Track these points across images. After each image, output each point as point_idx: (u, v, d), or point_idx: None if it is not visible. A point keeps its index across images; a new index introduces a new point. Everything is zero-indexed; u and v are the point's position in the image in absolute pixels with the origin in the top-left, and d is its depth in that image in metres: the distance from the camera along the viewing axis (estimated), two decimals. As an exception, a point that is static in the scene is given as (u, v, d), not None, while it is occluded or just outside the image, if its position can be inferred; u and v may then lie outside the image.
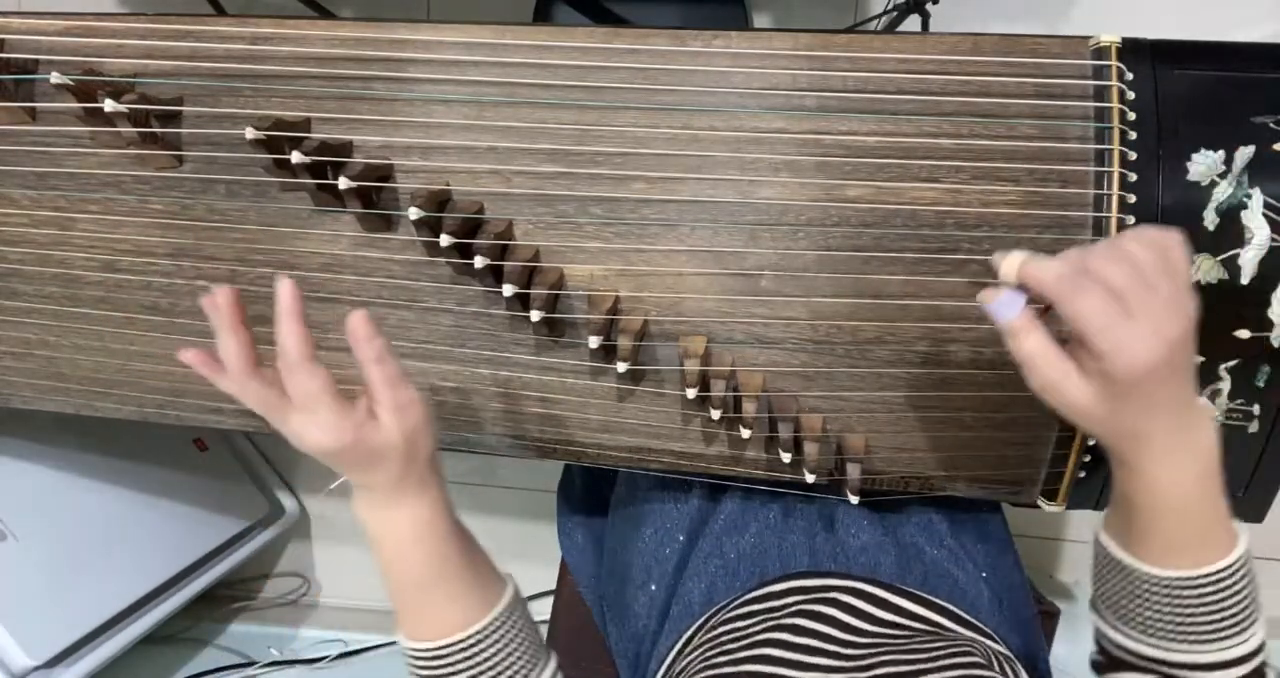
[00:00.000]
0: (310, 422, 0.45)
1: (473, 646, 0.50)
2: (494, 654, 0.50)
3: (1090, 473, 0.61)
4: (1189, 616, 0.44)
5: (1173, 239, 0.40)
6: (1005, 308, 0.42)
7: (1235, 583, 0.44)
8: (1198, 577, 0.43)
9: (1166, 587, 0.44)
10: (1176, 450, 0.41)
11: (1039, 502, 0.62)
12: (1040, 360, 0.41)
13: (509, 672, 0.51)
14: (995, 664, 0.50)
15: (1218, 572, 0.43)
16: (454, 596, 0.50)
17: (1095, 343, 0.38)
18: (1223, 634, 0.44)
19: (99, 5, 1.02)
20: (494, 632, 0.51)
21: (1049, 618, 1.04)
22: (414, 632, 0.50)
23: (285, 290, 0.45)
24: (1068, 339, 0.42)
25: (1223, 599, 0.44)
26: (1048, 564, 1.39)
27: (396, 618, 0.51)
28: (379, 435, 0.46)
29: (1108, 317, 0.38)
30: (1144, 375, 0.38)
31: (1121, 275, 0.38)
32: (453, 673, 0.50)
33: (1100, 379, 0.40)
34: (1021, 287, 0.42)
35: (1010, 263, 0.42)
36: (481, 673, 0.50)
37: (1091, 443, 0.59)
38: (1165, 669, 0.46)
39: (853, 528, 0.63)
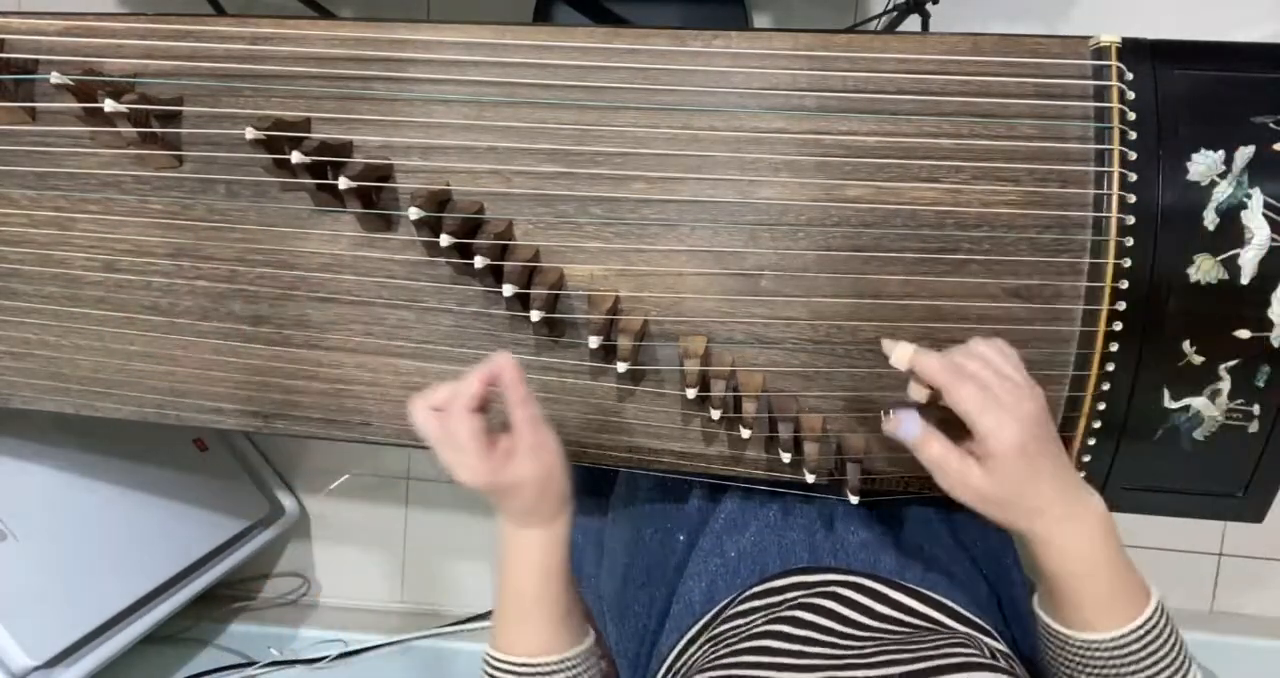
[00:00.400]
0: (459, 462, 0.51)
1: (552, 671, 0.54)
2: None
3: (1090, 473, 0.61)
4: (1122, 674, 0.48)
5: (1005, 344, 0.50)
6: (907, 427, 0.50)
7: (1155, 638, 0.48)
8: (1118, 636, 0.48)
9: (1094, 649, 0.48)
10: (1069, 519, 0.48)
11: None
12: (944, 461, 0.49)
13: None
14: (995, 660, 0.50)
15: (1135, 630, 0.48)
16: (548, 622, 0.55)
17: (976, 424, 0.46)
18: None
19: (99, 5, 1.02)
20: (573, 666, 0.55)
21: (1049, 618, 1.03)
22: (504, 644, 0.55)
23: (506, 364, 0.51)
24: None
25: (1149, 654, 0.48)
26: (1048, 564, 1.38)
27: (493, 628, 0.56)
28: (515, 473, 0.51)
29: (982, 401, 0.46)
30: (1019, 449, 0.46)
31: (983, 371, 0.47)
32: None
33: (989, 463, 0.47)
34: (913, 408, 0.50)
35: (901, 352, 0.50)
36: None
37: (1091, 443, 0.59)
38: None
39: (852, 526, 0.63)
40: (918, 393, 0.50)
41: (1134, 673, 0.48)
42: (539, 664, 0.54)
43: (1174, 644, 0.49)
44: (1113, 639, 0.48)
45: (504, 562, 0.55)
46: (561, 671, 0.55)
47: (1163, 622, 0.49)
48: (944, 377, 0.48)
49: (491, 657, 0.56)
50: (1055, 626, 0.50)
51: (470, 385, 0.50)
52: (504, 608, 0.56)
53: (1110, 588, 0.49)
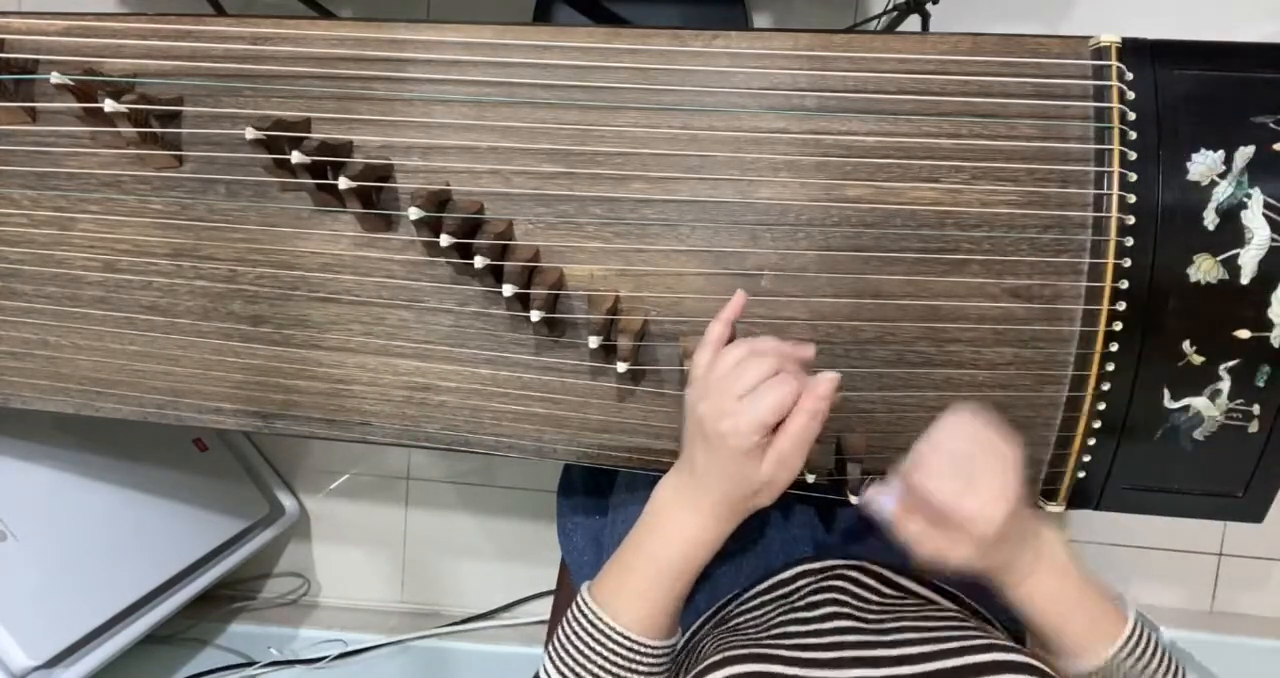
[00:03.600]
0: (744, 420, 0.47)
1: (653, 654, 0.52)
2: (650, 669, 0.52)
3: (1090, 473, 0.61)
4: None
5: (974, 417, 0.50)
6: (882, 505, 0.51)
7: (1139, 653, 0.50)
8: (1112, 656, 0.49)
9: (1108, 666, 0.50)
10: (1036, 568, 0.50)
11: (1039, 502, 0.62)
12: (923, 538, 0.49)
13: None
14: (1015, 645, 0.50)
15: (1119, 650, 0.50)
16: (663, 603, 0.52)
17: (954, 517, 0.47)
18: None
19: (99, 5, 1.02)
20: (665, 655, 0.53)
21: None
22: (610, 602, 0.52)
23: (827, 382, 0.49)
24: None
25: (1142, 664, 0.50)
26: (1048, 564, 1.38)
27: (605, 581, 0.53)
28: (757, 467, 0.48)
29: (956, 497, 0.47)
30: (999, 530, 0.47)
31: (959, 456, 0.48)
32: (605, 658, 0.51)
33: (969, 539, 0.48)
34: (894, 483, 0.51)
35: (868, 495, 0.52)
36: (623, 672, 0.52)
37: (1091, 443, 0.59)
38: None
39: (852, 525, 0.63)
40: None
41: None
42: (647, 645, 0.52)
43: (1160, 653, 0.51)
44: (1105, 660, 0.50)
45: (656, 528, 0.52)
46: (659, 656, 0.52)
47: (1142, 640, 0.51)
48: (916, 483, 0.48)
49: (597, 615, 0.52)
50: (1051, 660, 0.51)
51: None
52: (630, 572, 0.52)
53: (1085, 619, 0.51)
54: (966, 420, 0.50)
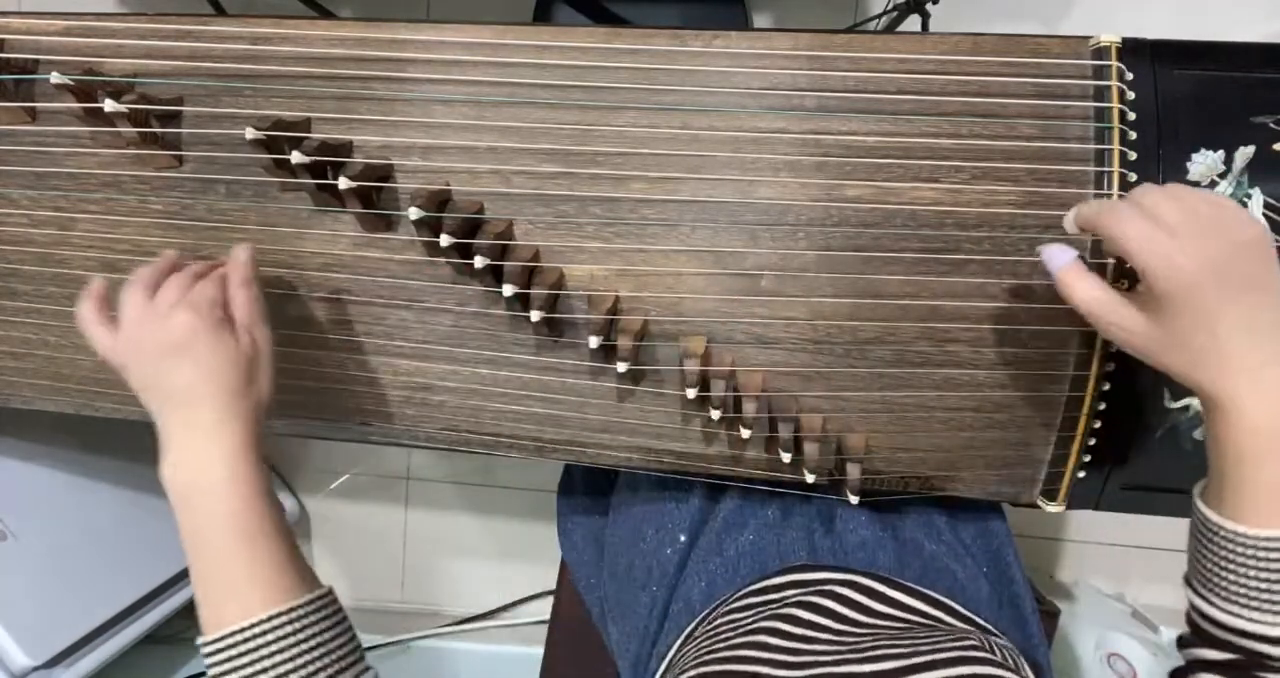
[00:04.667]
0: (189, 308, 0.50)
1: (304, 616, 0.46)
2: (313, 637, 0.46)
3: (1090, 473, 0.61)
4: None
5: (1214, 194, 0.43)
6: (1056, 257, 0.46)
7: None
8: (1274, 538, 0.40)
9: (1257, 547, 0.41)
10: (1267, 377, 0.40)
11: (1039, 502, 0.62)
12: (1092, 302, 0.44)
13: (330, 665, 0.47)
14: (998, 655, 0.49)
15: None
16: (274, 557, 0.46)
17: (1136, 261, 0.41)
18: None
19: (99, 5, 1.02)
20: (324, 605, 0.48)
21: (1049, 618, 1.04)
22: (218, 615, 0.45)
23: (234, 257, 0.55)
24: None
25: None
26: (1048, 564, 1.39)
27: (202, 599, 0.46)
28: (230, 341, 0.51)
29: (1144, 237, 0.40)
30: (1187, 287, 0.40)
31: (1168, 207, 0.41)
32: (261, 663, 0.44)
33: (1153, 303, 0.41)
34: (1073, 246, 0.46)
35: (1070, 217, 0.47)
36: (299, 660, 0.45)
37: (1092, 443, 0.59)
38: (1249, 644, 0.42)
39: (851, 525, 0.63)
40: (1071, 226, 0.47)
41: None
42: (281, 616, 0.44)
43: None
44: (1269, 539, 0.41)
45: (199, 481, 0.47)
46: (315, 613, 0.46)
47: None
48: (1100, 219, 0.43)
49: (215, 644, 0.44)
50: (1216, 517, 0.43)
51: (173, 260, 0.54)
52: (208, 549, 0.46)
53: None
54: (1184, 190, 0.43)
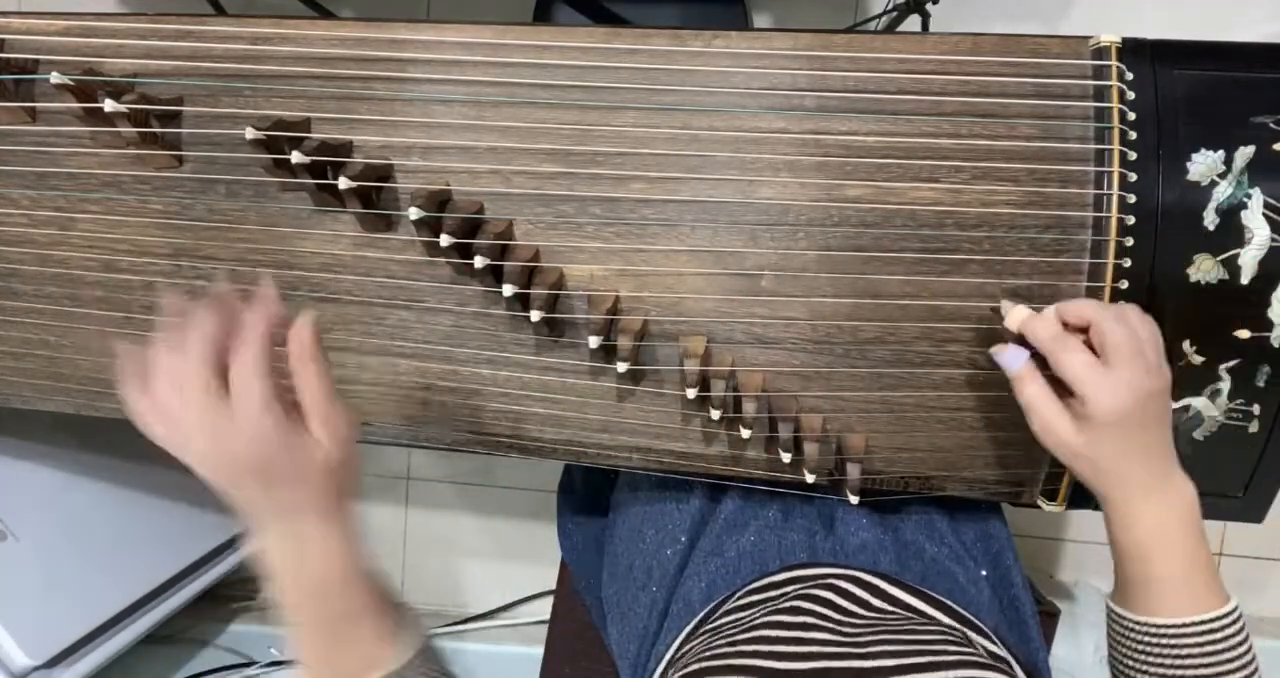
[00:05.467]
0: (249, 428, 0.42)
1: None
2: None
3: (1090, 473, 0.61)
4: (1183, 667, 0.47)
5: (1153, 323, 0.50)
6: (1011, 360, 0.51)
7: (1229, 636, 0.47)
8: (1188, 624, 0.47)
9: (1158, 635, 0.48)
10: (1155, 494, 0.48)
11: (1039, 502, 0.62)
12: (1038, 403, 0.50)
13: None
14: (992, 661, 0.50)
15: (1210, 620, 0.47)
16: (359, 640, 0.46)
17: (1077, 389, 0.47)
18: None
19: (99, 5, 1.02)
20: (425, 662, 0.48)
21: (1049, 618, 1.04)
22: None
23: (296, 328, 0.45)
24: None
25: (1218, 652, 0.47)
26: (1048, 564, 1.39)
27: (303, 664, 0.46)
28: (306, 451, 0.43)
29: (1087, 369, 0.47)
30: (1117, 418, 0.46)
31: (1118, 335, 0.47)
32: None
33: (1084, 422, 0.48)
34: (1025, 341, 0.51)
35: (1015, 315, 0.52)
36: None
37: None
38: None
39: (852, 527, 0.63)
40: (1013, 325, 0.52)
41: (1191, 667, 0.47)
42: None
43: (1242, 655, 0.47)
44: (1177, 626, 0.47)
45: (286, 580, 0.44)
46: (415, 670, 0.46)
47: (1231, 628, 0.48)
48: (1050, 345, 0.49)
49: None
50: (1119, 608, 0.50)
51: (256, 340, 0.42)
52: (305, 638, 0.46)
53: (1183, 574, 0.48)
54: (1137, 312, 0.49)
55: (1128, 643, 0.51)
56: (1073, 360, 0.48)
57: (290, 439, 0.42)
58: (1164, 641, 0.48)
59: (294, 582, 0.45)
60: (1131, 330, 0.48)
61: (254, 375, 0.42)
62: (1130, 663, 0.51)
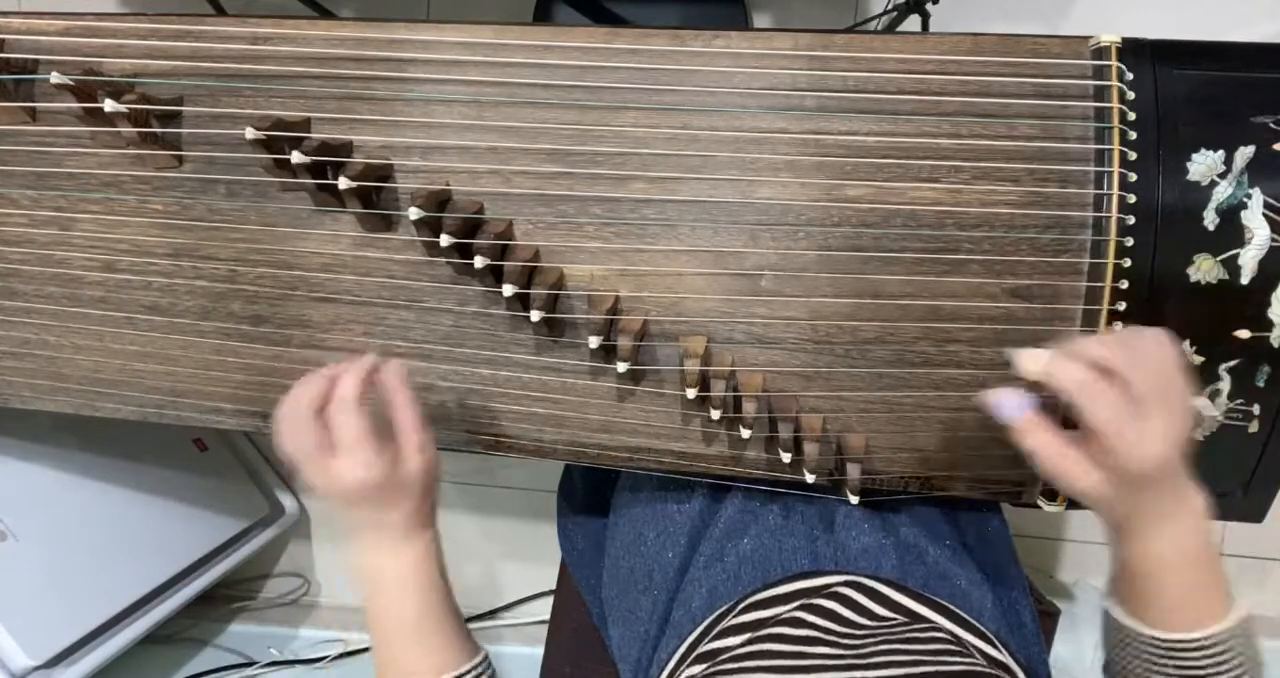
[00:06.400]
0: (356, 461, 0.50)
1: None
2: None
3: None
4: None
5: (1171, 341, 0.45)
6: (1013, 409, 0.47)
7: (1232, 648, 0.47)
8: (1199, 639, 0.46)
9: (1169, 649, 0.47)
10: (1171, 518, 0.46)
11: (1039, 502, 0.62)
12: (1053, 456, 0.45)
13: None
14: (994, 670, 0.50)
15: (1217, 635, 0.46)
16: (445, 639, 0.55)
17: (1111, 444, 0.43)
18: None
19: (99, 5, 1.01)
20: (482, 670, 0.55)
21: (1049, 618, 1.04)
22: None
23: (386, 370, 0.54)
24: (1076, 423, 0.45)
25: (1222, 662, 0.46)
26: (1048, 564, 1.39)
27: (381, 671, 0.55)
28: (406, 470, 0.52)
29: (1121, 423, 0.42)
30: (1153, 470, 0.43)
31: (1147, 383, 0.43)
32: None
33: (1109, 471, 0.44)
34: (1029, 386, 0.46)
35: (1033, 362, 0.46)
36: None
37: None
38: None
39: (853, 531, 0.63)
40: (1029, 372, 0.46)
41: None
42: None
43: (1242, 664, 0.47)
44: (1189, 641, 0.46)
45: (379, 593, 0.54)
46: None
47: (1241, 636, 0.47)
48: (1079, 395, 0.43)
49: None
50: (1128, 620, 0.49)
51: (350, 382, 0.51)
52: (390, 647, 0.54)
53: (1197, 592, 0.47)
54: (1156, 344, 0.45)
55: (1130, 650, 0.50)
56: (1108, 414, 0.43)
57: (389, 461, 0.51)
58: (1173, 654, 0.47)
59: (394, 582, 0.54)
60: (1157, 372, 0.44)
61: (349, 410, 0.51)
62: (1132, 670, 0.50)
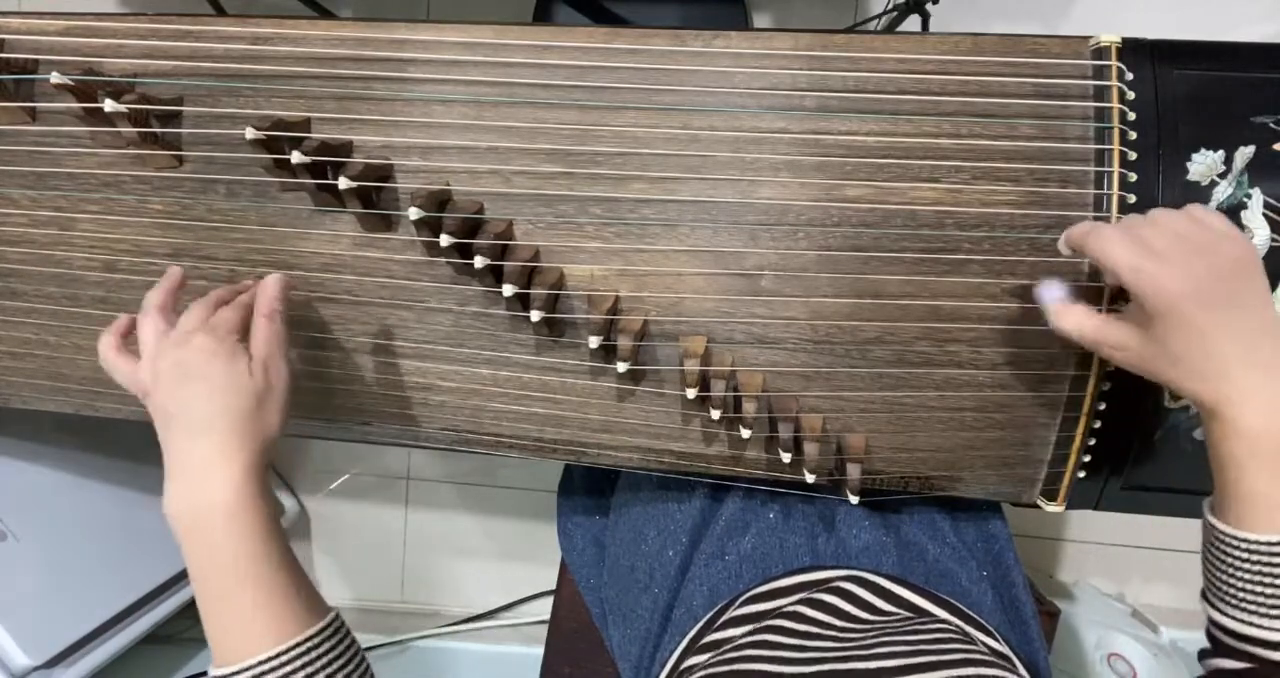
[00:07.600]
0: (203, 334, 0.50)
1: (313, 649, 0.46)
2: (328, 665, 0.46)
3: (1090, 473, 0.61)
4: (1273, 585, 0.42)
5: (1200, 208, 0.45)
6: (1050, 297, 0.50)
7: None
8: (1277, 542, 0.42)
9: (1259, 551, 0.43)
10: (1252, 388, 0.42)
11: (1039, 502, 0.62)
12: (1084, 327, 0.47)
13: None
14: (995, 659, 0.49)
15: None
16: (282, 593, 0.46)
17: (1125, 284, 0.44)
18: None
19: (99, 5, 1.02)
20: (332, 634, 0.48)
21: (1049, 618, 1.04)
22: (228, 650, 0.45)
23: (266, 279, 0.55)
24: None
25: None
26: (1048, 564, 1.39)
27: (209, 634, 0.46)
28: (254, 378, 0.50)
29: (1131, 264, 0.43)
30: (1173, 307, 0.42)
31: (1153, 231, 0.44)
32: None
33: (1146, 320, 0.44)
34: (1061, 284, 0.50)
35: (1062, 240, 0.50)
36: None
37: (1092, 443, 0.59)
38: (1260, 652, 0.43)
39: (854, 528, 0.63)
40: (1065, 249, 0.50)
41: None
42: (291, 651, 0.44)
43: None
44: (1261, 543, 0.42)
45: (212, 522, 0.46)
46: (325, 643, 0.47)
47: None
48: (1090, 242, 0.45)
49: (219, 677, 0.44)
50: (1218, 523, 0.45)
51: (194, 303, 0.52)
52: (223, 596, 0.45)
53: (1275, 488, 0.42)
54: (1180, 210, 0.45)
55: (1216, 552, 0.45)
56: (1113, 254, 0.44)
57: (231, 357, 0.49)
58: (1253, 556, 0.43)
59: (182, 504, 0.48)
60: (1174, 222, 0.44)
61: (227, 310, 0.52)
62: (1219, 574, 0.45)
